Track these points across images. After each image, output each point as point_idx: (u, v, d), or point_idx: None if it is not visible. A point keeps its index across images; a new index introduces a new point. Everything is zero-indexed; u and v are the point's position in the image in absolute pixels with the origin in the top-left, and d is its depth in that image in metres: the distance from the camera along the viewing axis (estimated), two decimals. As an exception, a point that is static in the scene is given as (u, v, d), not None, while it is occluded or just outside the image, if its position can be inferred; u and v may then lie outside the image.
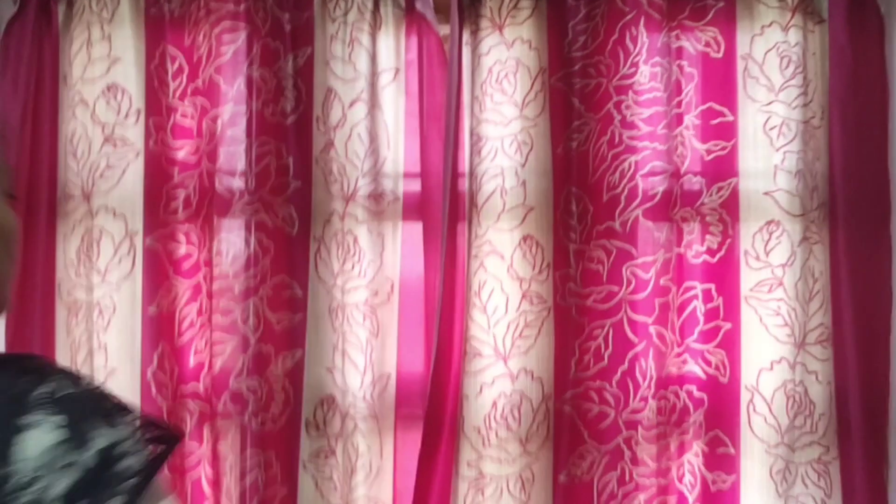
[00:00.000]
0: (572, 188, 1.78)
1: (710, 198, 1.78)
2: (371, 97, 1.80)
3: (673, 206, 1.78)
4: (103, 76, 1.82)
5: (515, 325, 1.77)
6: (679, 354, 1.77)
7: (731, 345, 1.77)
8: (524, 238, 1.78)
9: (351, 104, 1.80)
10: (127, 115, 1.82)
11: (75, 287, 1.81)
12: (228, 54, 1.81)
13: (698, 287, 1.78)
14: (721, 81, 1.80)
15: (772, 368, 1.76)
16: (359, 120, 1.79)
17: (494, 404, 1.76)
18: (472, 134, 1.79)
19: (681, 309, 1.77)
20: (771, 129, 1.77)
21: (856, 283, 1.74)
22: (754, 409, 1.76)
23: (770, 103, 1.77)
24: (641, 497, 1.74)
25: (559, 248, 1.78)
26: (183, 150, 1.80)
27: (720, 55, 1.79)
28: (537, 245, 1.79)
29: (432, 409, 1.75)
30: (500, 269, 1.78)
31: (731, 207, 1.78)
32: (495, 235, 1.78)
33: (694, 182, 1.79)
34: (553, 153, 1.79)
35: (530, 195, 1.79)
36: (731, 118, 1.79)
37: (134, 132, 1.82)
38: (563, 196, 1.78)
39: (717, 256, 1.78)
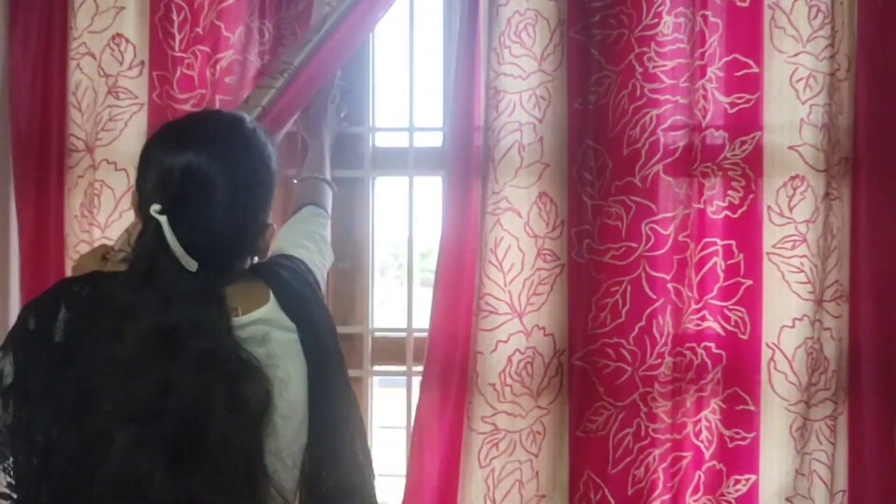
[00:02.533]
0: (590, 143, 1.74)
1: (732, 152, 1.72)
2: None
3: (694, 161, 1.73)
4: (109, 27, 1.79)
5: (531, 282, 1.74)
6: (697, 311, 1.73)
7: (751, 302, 1.73)
8: (540, 195, 1.75)
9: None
10: (130, 67, 1.79)
11: (80, 242, 1.79)
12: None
13: (719, 243, 1.73)
14: (747, 32, 1.72)
15: (793, 326, 1.70)
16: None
17: (510, 360, 1.74)
18: (489, 87, 1.75)
19: (700, 265, 1.73)
20: (797, 81, 1.70)
21: (875, 238, 1.68)
22: (775, 367, 1.71)
23: (797, 54, 1.70)
24: (656, 452, 1.71)
25: (575, 205, 1.75)
26: (188, 104, 1.77)
27: (746, 4, 1.72)
28: (552, 202, 1.75)
29: (439, 364, 1.74)
30: (517, 226, 1.74)
31: (754, 162, 1.73)
32: (512, 192, 1.74)
33: (716, 136, 1.73)
34: (569, 108, 1.74)
35: (547, 151, 1.75)
36: (756, 70, 1.72)
37: (137, 84, 1.79)
38: (581, 152, 1.74)
39: (739, 212, 1.72)
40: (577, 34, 1.74)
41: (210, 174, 1.09)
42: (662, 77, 1.72)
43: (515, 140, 1.74)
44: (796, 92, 1.71)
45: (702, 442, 1.74)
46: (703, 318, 1.74)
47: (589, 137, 1.74)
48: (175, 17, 1.77)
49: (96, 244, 1.76)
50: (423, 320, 1.80)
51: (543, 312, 1.75)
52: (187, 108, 1.76)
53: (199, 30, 1.77)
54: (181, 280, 1.07)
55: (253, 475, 1.07)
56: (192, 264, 1.07)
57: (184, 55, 1.77)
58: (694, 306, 1.73)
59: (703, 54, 1.72)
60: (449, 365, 1.75)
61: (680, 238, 1.73)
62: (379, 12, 1.73)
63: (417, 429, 1.76)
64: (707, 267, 1.73)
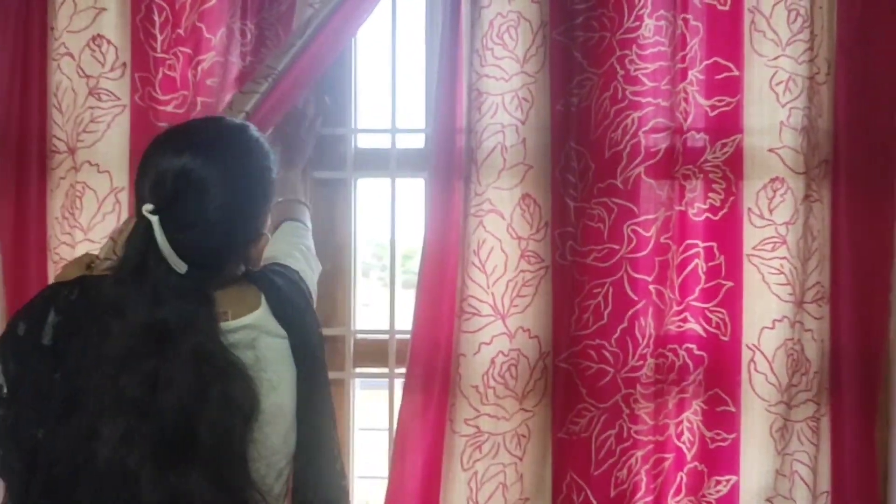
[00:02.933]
0: (572, 145, 1.74)
1: (713, 155, 1.73)
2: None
3: (675, 163, 1.73)
4: (89, 27, 1.78)
5: (514, 283, 1.74)
6: (679, 313, 1.74)
7: (732, 303, 1.74)
8: (523, 197, 1.74)
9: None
10: (112, 68, 1.78)
11: (61, 245, 1.77)
12: (213, 1, 1.75)
13: (700, 245, 1.73)
14: (727, 35, 1.73)
15: (773, 327, 1.72)
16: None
17: (493, 362, 1.74)
18: (471, 89, 1.74)
19: (681, 267, 1.74)
20: (777, 84, 1.71)
21: (856, 239, 1.70)
22: (755, 368, 1.73)
23: (777, 58, 1.71)
24: (639, 454, 1.72)
25: (558, 206, 1.75)
26: (170, 105, 1.76)
27: (727, 8, 1.72)
28: (535, 204, 1.75)
29: (421, 366, 1.74)
30: (500, 227, 1.74)
31: (734, 164, 1.73)
32: (495, 194, 1.74)
33: (697, 139, 1.74)
34: (552, 110, 1.74)
35: (530, 153, 1.75)
36: (736, 73, 1.73)
37: (119, 85, 1.78)
38: (564, 153, 1.74)
39: (720, 214, 1.73)
40: (559, 36, 1.73)
41: (205, 177, 1.10)
42: (644, 80, 1.72)
43: (498, 142, 1.74)
44: (776, 95, 1.72)
45: (683, 443, 1.75)
46: (684, 320, 1.74)
47: (572, 139, 1.74)
48: (156, 18, 1.75)
49: (78, 247, 1.76)
50: (405, 322, 1.80)
51: (528, 314, 1.75)
52: (169, 109, 1.75)
53: (181, 31, 1.75)
54: (170, 279, 1.07)
55: (242, 473, 1.09)
56: (181, 266, 1.08)
57: (165, 56, 1.76)
58: (676, 308, 1.74)
59: (684, 57, 1.73)
60: (431, 367, 1.74)
61: (662, 240, 1.73)
62: (362, 15, 1.72)
63: (400, 431, 1.75)
64: (689, 269, 1.74)
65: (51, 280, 1.75)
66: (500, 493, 1.74)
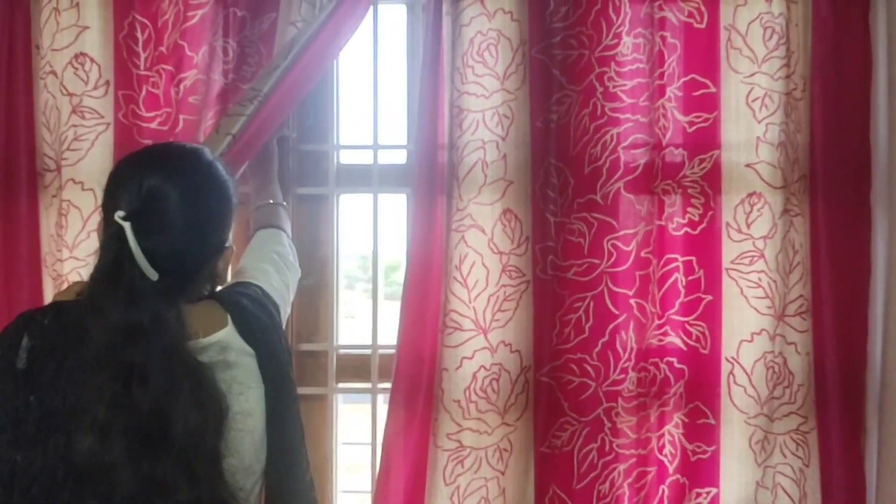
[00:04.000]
0: (552, 160, 1.73)
1: (691, 170, 1.74)
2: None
3: (654, 178, 1.73)
4: (72, 44, 1.77)
5: (495, 298, 1.73)
6: (660, 326, 1.74)
7: (711, 317, 1.74)
8: (504, 212, 1.74)
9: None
10: (96, 87, 1.77)
11: (57, 262, 1.77)
12: (195, 19, 1.75)
13: (679, 259, 1.74)
14: (704, 53, 1.74)
15: (752, 340, 1.72)
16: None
17: (474, 377, 1.73)
18: (452, 106, 1.74)
19: (662, 281, 1.74)
20: (754, 100, 1.72)
21: (835, 254, 1.70)
22: (734, 381, 1.72)
23: (753, 75, 1.72)
24: (621, 468, 1.71)
25: (539, 222, 1.74)
26: (154, 122, 1.75)
27: (703, 26, 1.73)
28: (516, 219, 1.75)
29: (405, 381, 1.73)
30: (482, 242, 1.74)
31: (712, 180, 1.74)
32: (476, 209, 1.74)
33: (676, 154, 1.74)
34: (532, 126, 1.74)
35: (510, 169, 1.75)
36: (713, 90, 1.73)
37: (102, 104, 1.77)
38: (544, 169, 1.74)
39: (699, 229, 1.73)
40: (538, 54, 1.74)
41: (167, 192, 1.16)
42: (622, 96, 1.72)
43: (479, 158, 1.74)
44: (752, 111, 1.73)
45: (665, 456, 1.74)
46: (665, 334, 1.74)
47: (551, 156, 1.74)
48: (139, 36, 1.75)
49: (65, 265, 1.75)
50: (390, 336, 1.78)
51: (510, 329, 1.74)
52: (153, 126, 1.75)
53: (163, 49, 1.74)
54: (143, 284, 1.11)
55: (215, 469, 1.12)
56: (152, 273, 1.12)
57: (148, 74, 1.75)
58: (657, 322, 1.74)
59: (662, 74, 1.73)
60: (415, 382, 1.73)
61: (642, 254, 1.73)
62: (345, 35, 1.73)
63: (385, 446, 1.74)
64: (669, 283, 1.74)
65: (45, 294, 1.77)
66: None
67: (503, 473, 1.74)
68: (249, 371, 1.22)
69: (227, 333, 1.23)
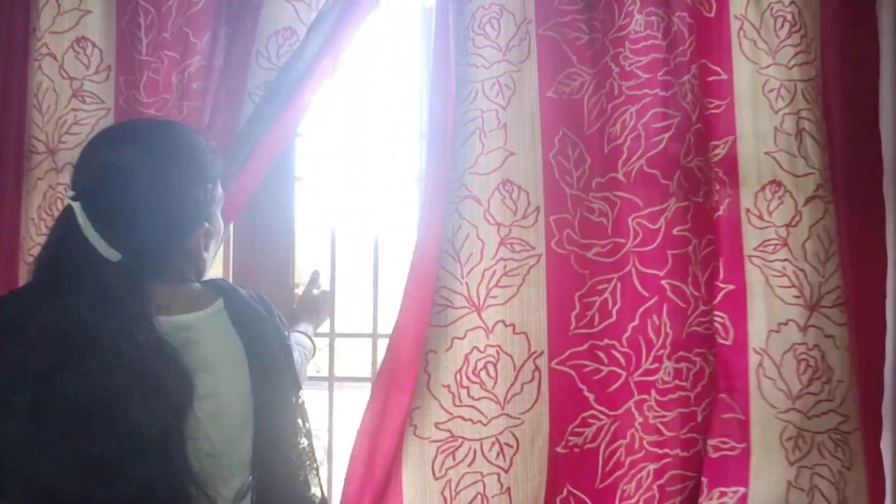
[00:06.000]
0: (567, 132, 1.61)
1: (713, 153, 1.61)
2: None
3: (686, 153, 1.61)
4: (73, 28, 1.71)
5: (492, 273, 1.56)
6: (706, 313, 1.57)
7: (733, 306, 1.57)
8: (503, 182, 1.59)
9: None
10: (97, 71, 1.71)
11: (34, 246, 1.65)
12: (200, 4, 1.68)
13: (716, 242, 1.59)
14: (714, 40, 1.64)
15: (779, 331, 1.56)
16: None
17: (466, 359, 1.54)
18: (450, 77, 1.61)
19: (705, 263, 1.59)
20: (770, 91, 1.62)
21: (852, 246, 1.57)
22: (764, 373, 1.55)
23: (768, 66, 1.62)
24: (651, 467, 1.54)
25: (553, 191, 1.59)
26: (152, 108, 1.67)
27: (712, 15, 1.64)
28: (519, 189, 1.59)
29: (388, 365, 1.55)
30: (477, 214, 1.58)
31: (728, 166, 1.61)
32: (472, 179, 1.59)
33: (696, 135, 1.62)
34: (542, 97, 1.62)
35: (511, 139, 1.60)
36: (725, 77, 1.63)
37: (103, 88, 1.71)
38: (558, 139, 1.61)
39: (716, 215, 1.59)
40: (547, 31, 1.64)
41: (129, 165, 1.09)
42: (639, 72, 1.62)
43: (477, 127, 1.61)
44: (769, 101, 1.62)
45: (689, 452, 1.56)
46: (714, 322, 1.57)
47: (564, 127, 1.62)
48: (142, 22, 1.68)
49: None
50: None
51: (512, 307, 1.56)
52: (152, 112, 1.68)
53: (167, 35, 1.68)
54: (94, 268, 1.04)
55: (174, 452, 1.01)
56: (111, 254, 1.04)
57: (150, 59, 1.69)
58: (702, 307, 1.58)
59: (685, 52, 1.63)
60: (396, 365, 1.56)
61: (674, 232, 1.58)
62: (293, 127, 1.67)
63: (360, 435, 1.55)
64: (713, 265, 1.58)
65: (22, 281, 1.66)
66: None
67: (506, 471, 1.54)
68: (221, 353, 1.12)
69: (208, 315, 1.13)
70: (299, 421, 1.17)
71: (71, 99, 1.71)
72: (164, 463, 1.00)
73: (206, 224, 1.16)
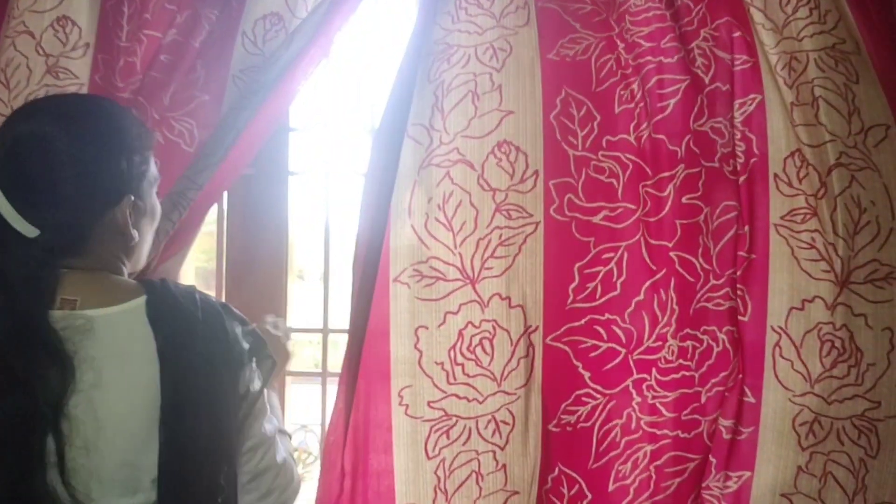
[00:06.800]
0: (570, 91, 1.50)
1: (740, 111, 1.48)
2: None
3: (698, 116, 1.49)
4: (55, 8, 1.65)
5: (486, 242, 1.46)
6: (717, 288, 1.46)
7: (755, 279, 1.44)
8: (499, 144, 1.49)
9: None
10: (74, 48, 1.64)
11: None
12: None
13: (738, 209, 1.47)
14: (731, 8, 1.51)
15: (803, 308, 1.42)
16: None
17: (461, 335, 1.46)
18: (438, 44, 1.52)
19: (719, 234, 1.47)
20: (782, 69, 1.47)
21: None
22: (781, 354, 1.42)
23: (777, 44, 1.48)
24: (648, 448, 1.44)
25: (553, 153, 1.48)
26: (126, 92, 1.60)
27: None
28: (517, 151, 1.48)
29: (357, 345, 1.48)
30: (470, 179, 1.48)
31: (754, 124, 1.47)
32: (464, 143, 1.49)
33: (724, 91, 1.50)
34: (542, 58, 1.51)
35: (509, 99, 1.50)
36: (749, 38, 1.49)
37: (79, 65, 1.64)
38: (560, 99, 1.50)
39: (741, 179, 1.46)
40: (548, 4, 1.54)
41: (39, 134, 1.04)
42: (641, 42, 1.52)
43: (469, 90, 1.51)
44: (783, 78, 1.48)
45: (690, 434, 1.46)
46: (726, 297, 1.46)
47: (568, 86, 1.51)
48: (126, 9, 1.64)
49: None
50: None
51: (508, 280, 1.46)
52: (125, 96, 1.60)
53: (148, 15, 1.62)
54: (6, 245, 1.00)
55: (21, 455, 0.94)
56: (29, 230, 1.00)
57: (129, 44, 1.63)
58: (713, 282, 1.46)
59: (691, 21, 1.51)
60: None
61: (683, 200, 1.46)
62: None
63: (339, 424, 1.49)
64: (728, 235, 1.46)
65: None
66: (474, 482, 1.46)
67: (501, 448, 1.46)
68: (117, 348, 1.02)
69: (118, 312, 1.03)
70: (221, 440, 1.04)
71: (44, 75, 1.65)
72: (15, 469, 0.95)
73: (132, 197, 1.09)
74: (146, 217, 1.14)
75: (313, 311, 1.93)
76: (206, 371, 1.03)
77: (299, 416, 2.07)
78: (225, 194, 1.77)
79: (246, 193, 1.78)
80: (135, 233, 1.11)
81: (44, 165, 1.03)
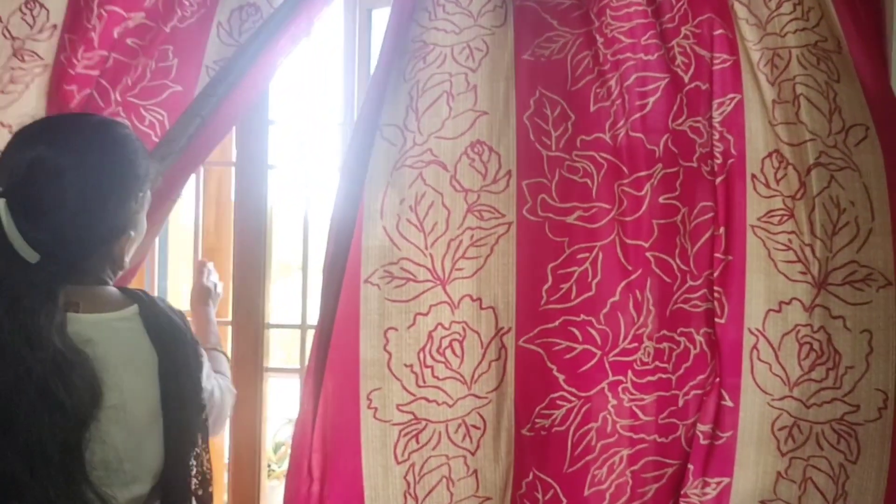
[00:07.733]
0: (544, 91, 1.48)
1: (718, 111, 1.45)
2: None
3: (676, 115, 1.47)
4: None
5: (457, 243, 1.43)
6: (694, 289, 1.43)
7: (732, 280, 1.41)
8: (472, 144, 1.46)
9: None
10: (42, 29, 1.60)
11: None
12: None
13: (714, 210, 1.45)
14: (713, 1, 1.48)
15: (780, 310, 1.38)
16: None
17: (430, 337, 1.43)
18: (415, 41, 1.50)
19: (696, 234, 1.45)
20: (765, 65, 1.46)
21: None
22: (758, 356, 1.38)
23: (760, 40, 1.46)
24: (625, 453, 1.41)
25: (526, 153, 1.46)
26: (81, 66, 1.58)
27: None
28: (490, 151, 1.46)
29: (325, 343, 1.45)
30: (443, 180, 1.45)
31: (732, 125, 1.44)
32: (437, 143, 1.46)
33: (703, 91, 1.48)
34: (517, 59, 1.49)
35: (483, 99, 1.48)
36: (731, 35, 1.47)
37: (46, 46, 1.60)
38: (535, 99, 1.48)
39: (719, 179, 1.43)
40: (526, 1, 1.52)
41: (60, 166, 1.04)
42: (621, 37, 1.49)
43: (444, 91, 1.48)
44: (765, 75, 1.46)
45: (668, 438, 1.43)
46: (703, 298, 1.43)
47: (542, 87, 1.49)
48: None
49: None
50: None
51: (479, 281, 1.43)
52: (81, 71, 1.59)
53: None
54: (12, 269, 1.01)
55: (72, 465, 0.98)
56: (32, 255, 1.01)
57: (96, 24, 1.60)
58: (690, 283, 1.43)
59: (672, 17, 1.49)
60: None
61: (660, 200, 1.43)
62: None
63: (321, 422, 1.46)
64: (706, 236, 1.44)
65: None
66: (445, 488, 1.42)
67: (472, 453, 1.42)
68: (125, 356, 1.07)
69: (117, 318, 1.09)
70: (199, 437, 1.13)
71: (10, 58, 1.61)
72: (63, 483, 0.97)
73: (132, 233, 1.13)
74: (137, 240, 1.17)
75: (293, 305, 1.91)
76: (190, 369, 1.13)
77: (287, 409, 2.01)
78: (202, 187, 1.75)
79: (225, 186, 1.74)
80: (127, 260, 1.15)
81: (57, 199, 1.04)
